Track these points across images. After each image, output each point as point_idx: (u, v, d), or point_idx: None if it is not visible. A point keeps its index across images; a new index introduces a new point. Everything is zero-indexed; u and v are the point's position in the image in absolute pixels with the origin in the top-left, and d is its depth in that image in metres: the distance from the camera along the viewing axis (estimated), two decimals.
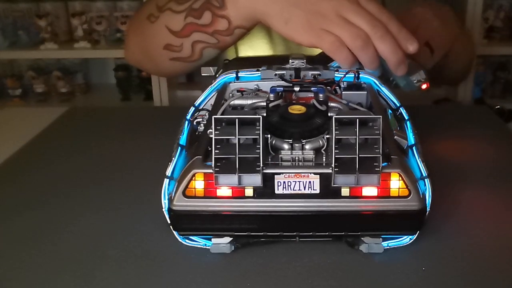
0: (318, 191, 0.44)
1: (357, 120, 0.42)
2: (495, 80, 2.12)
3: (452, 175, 0.61)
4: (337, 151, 0.42)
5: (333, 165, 0.42)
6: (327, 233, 0.46)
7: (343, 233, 0.46)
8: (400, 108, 0.55)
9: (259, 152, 0.42)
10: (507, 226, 0.51)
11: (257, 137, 0.42)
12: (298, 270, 0.45)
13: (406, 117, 0.54)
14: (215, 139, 0.43)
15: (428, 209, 0.45)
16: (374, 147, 0.42)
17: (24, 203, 0.58)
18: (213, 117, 0.43)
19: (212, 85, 0.58)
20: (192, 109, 0.56)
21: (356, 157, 0.41)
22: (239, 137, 0.42)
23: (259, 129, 0.42)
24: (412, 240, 0.47)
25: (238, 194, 0.44)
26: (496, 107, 1.84)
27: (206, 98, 0.57)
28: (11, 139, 0.79)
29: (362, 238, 0.47)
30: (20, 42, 2.11)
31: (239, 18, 0.65)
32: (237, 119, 0.42)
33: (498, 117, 0.84)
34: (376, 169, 0.42)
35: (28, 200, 0.59)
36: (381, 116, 0.43)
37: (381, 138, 0.42)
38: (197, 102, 0.56)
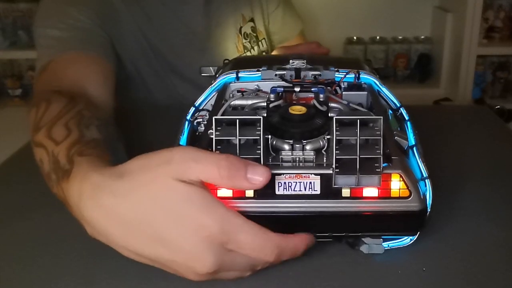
0: (318, 192, 0.44)
1: (358, 121, 0.42)
2: (495, 80, 2.12)
3: (452, 175, 0.61)
4: (338, 151, 0.42)
5: (333, 166, 0.42)
6: (327, 234, 0.46)
7: (343, 234, 0.46)
8: (401, 109, 0.55)
9: (260, 152, 0.42)
10: (507, 226, 0.51)
11: (258, 137, 0.42)
12: (299, 270, 0.45)
13: (407, 118, 0.53)
14: (215, 139, 0.43)
15: (428, 209, 0.45)
16: (375, 147, 0.42)
17: (24, 203, 0.58)
18: (213, 117, 0.43)
19: (212, 85, 0.57)
20: (192, 109, 0.56)
21: (356, 158, 0.41)
22: (239, 137, 0.42)
23: (260, 129, 0.42)
24: (412, 240, 0.47)
25: (239, 194, 0.43)
26: (496, 107, 1.84)
27: (206, 98, 0.57)
28: (11, 139, 0.79)
29: (363, 239, 0.47)
30: (20, 42, 2.11)
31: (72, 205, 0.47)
32: (237, 120, 0.42)
33: (498, 117, 0.84)
34: (377, 170, 0.42)
35: (28, 201, 0.59)
36: (382, 117, 0.43)
37: (382, 139, 0.42)
38: (197, 102, 0.56)
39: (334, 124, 0.42)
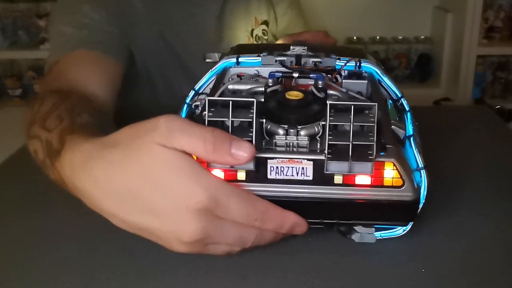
0: (311, 178, 0.43)
1: (352, 107, 0.42)
2: (495, 80, 2.12)
3: (452, 175, 0.61)
4: (331, 137, 0.42)
5: (326, 151, 0.42)
6: (319, 220, 0.45)
7: (335, 221, 0.46)
8: (401, 99, 0.54)
9: (252, 135, 0.42)
10: (508, 226, 0.51)
11: (251, 120, 0.42)
12: (298, 270, 0.45)
13: (407, 108, 0.53)
14: (208, 120, 0.43)
15: (423, 200, 0.45)
16: (368, 135, 0.42)
17: (24, 203, 0.58)
18: (206, 98, 0.43)
19: (212, 69, 0.57)
20: (192, 92, 0.56)
21: (349, 144, 0.41)
22: (232, 119, 0.42)
23: (253, 112, 0.42)
24: (405, 231, 0.47)
25: (231, 177, 0.43)
26: (496, 107, 1.84)
27: (206, 82, 0.56)
28: (11, 139, 0.79)
29: (355, 227, 0.46)
30: (20, 42, 2.12)
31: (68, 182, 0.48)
32: (230, 102, 0.42)
33: (498, 117, 0.84)
34: (369, 157, 0.42)
35: (27, 201, 0.59)
36: (376, 104, 0.42)
37: (375, 126, 0.42)
38: (197, 86, 0.56)
39: (328, 109, 0.42)
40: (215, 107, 0.43)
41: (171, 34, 0.94)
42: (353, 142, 0.41)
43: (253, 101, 0.43)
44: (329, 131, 0.42)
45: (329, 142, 0.42)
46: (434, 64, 2.13)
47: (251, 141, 0.42)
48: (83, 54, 0.77)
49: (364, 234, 0.47)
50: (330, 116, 0.42)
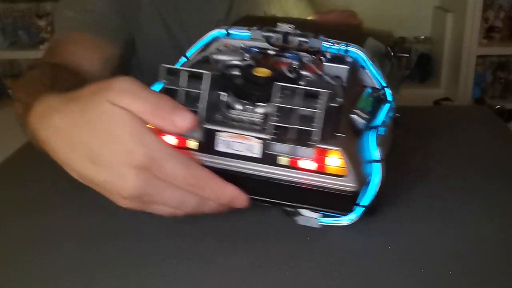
0: (258, 156, 0.44)
1: (297, 90, 0.42)
2: (495, 80, 2.13)
3: (452, 175, 0.61)
4: (277, 118, 0.42)
5: (270, 132, 0.42)
6: (262, 198, 0.46)
7: (276, 201, 0.46)
8: (385, 89, 0.53)
9: (201, 106, 0.43)
10: (507, 226, 0.51)
11: (202, 92, 0.43)
12: (296, 270, 0.45)
13: (389, 99, 0.52)
14: (165, 88, 0.44)
15: (374, 193, 0.45)
16: (315, 120, 0.42)
17: (24, 203, 0.58)
18: (162, 66, 0.44)
19: (202, 38, 0.57)
20: (182, 59, 0.56)
21: (293, 127, 0.42)
22: (187, 89, 0.44)
23: (205, 84, 0.43)
24: (352, 221, 0.47)
25: (182, 145, 0.45)
26: (496, 107, 1.85)
27: (195, 49, 0.57)
28: (11, 139, 0.79)
29: (300, 210, 0.47)
30: (20, 42, 2.12)
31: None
32: (182, 71, 0.44)
33: (498, 117, 0.84)
34: (310, 142, 0.42)
35: (27, 200, 0.59)
36: (327, 91, 0.42)
37: (323, 113, 0.42)
38: (188, 53, 0.57)
39: (274, 90, 0.42)
40: (174, 76, 0.44)
41: (178, 28, 0.95)
42: (296, 126, 0.42)
43: (204, 73, 0.43)
44: (279, 112, 0.42)
45: (273, 123, 0.42)
46: (434, 64, 2.13)
47: (196, 112, 0.43)
48: (84, 36, 0.81)
49: (308, 218, 0.47)
50: (277, 97, 0.42)
